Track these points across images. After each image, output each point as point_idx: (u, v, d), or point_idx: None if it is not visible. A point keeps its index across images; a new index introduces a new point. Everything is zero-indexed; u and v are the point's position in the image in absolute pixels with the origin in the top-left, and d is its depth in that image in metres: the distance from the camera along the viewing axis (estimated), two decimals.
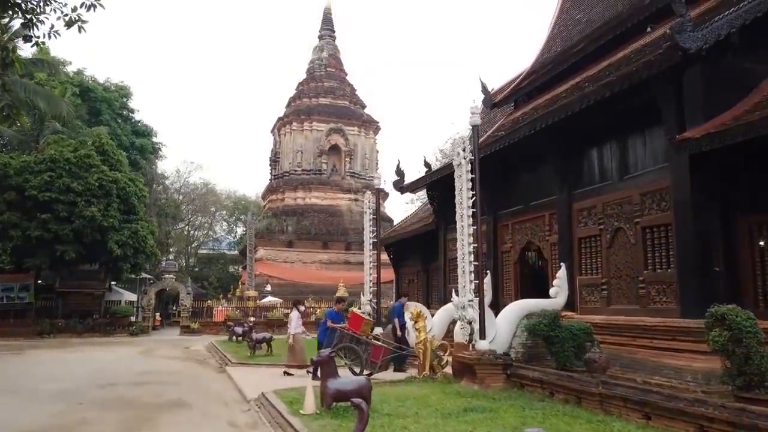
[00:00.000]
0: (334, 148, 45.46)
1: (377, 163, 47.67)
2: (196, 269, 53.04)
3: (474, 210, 10.51)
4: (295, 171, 45.15)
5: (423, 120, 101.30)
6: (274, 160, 47.48)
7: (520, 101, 18.93)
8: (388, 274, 42.08)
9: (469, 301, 10.09)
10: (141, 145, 43.24)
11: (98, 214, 26.05)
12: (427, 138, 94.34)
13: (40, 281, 29.80)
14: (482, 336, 10.12)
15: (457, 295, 10.66)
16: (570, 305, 11.80)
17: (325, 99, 46.04)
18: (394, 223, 47.19)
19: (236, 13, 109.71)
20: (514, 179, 14.56)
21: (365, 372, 11.22)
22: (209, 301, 33.98)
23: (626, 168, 10.72)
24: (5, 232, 25.56)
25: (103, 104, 41.14)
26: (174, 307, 43.79)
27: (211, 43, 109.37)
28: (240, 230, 58.90)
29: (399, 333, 13.15)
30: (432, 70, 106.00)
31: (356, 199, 44.98)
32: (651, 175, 10.01)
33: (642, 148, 10.39)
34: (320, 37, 48.71)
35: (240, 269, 52.86)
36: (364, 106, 47.81)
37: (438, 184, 17.28)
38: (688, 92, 9.15)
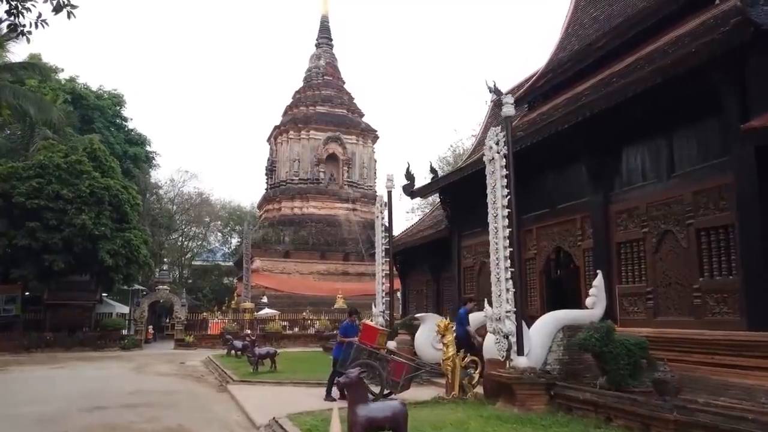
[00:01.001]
0: (332, 157, 44.34)
1: (375, 173, 46.59)
2: (190, 281, 51.52)
3: (509, 210, 9.36)
4: (292, 180, 43.94)
5: (421, 129, 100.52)
6: (271, 169, 46.27)
7: (536, 102, 17.90)
8: (398, 282, 41.07)
9: (507, 312, 8.91)
10: (134, 154, 41.97)
11: (89, 223, 24.71)
12: (426, 147, 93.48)
13: (27, 293, 28.30)
14: (520, 351, 8.95)
15: (490, 305, 9.49)
16: (609, 317, 10.66)
17: (323, 107, 44.99)
18: (395, 232, 46.32)
19: (232, 22, 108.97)
20: (539, 181, 13.42)
21: (386, 392, 10.01)
22: (204, 314, 32.52)
23: (673, 165, 9.61)
24: None
25: (95, 112, 39.90)
26: (167, 320, 42.24)
27: (206, 51, 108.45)
28: (235, 241, 57.46)
29: (478, 340, 11.44)
30: (430, 78, 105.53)
31: (354, 209, 43.85)
32: (705, 171, 8.91)
33: (693, 142, 9.29)
34: (317, 45, 47.76)
35: (235, 281, 51.38)
36: (362, 115, 46.81)
37: (451, 188, 16.17)
38: (754, 76, 8.09)
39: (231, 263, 53.75)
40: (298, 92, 46.54)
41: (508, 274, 9.09)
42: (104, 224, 25.38)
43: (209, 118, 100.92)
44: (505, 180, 9.38)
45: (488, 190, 9.60)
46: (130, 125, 43.66)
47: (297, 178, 43.88)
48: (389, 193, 14.46)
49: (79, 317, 27.96)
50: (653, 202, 9.85)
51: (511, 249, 9.29)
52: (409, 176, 17.51)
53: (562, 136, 11.17)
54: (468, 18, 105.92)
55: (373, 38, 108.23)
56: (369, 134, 45.75)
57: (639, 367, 8.14)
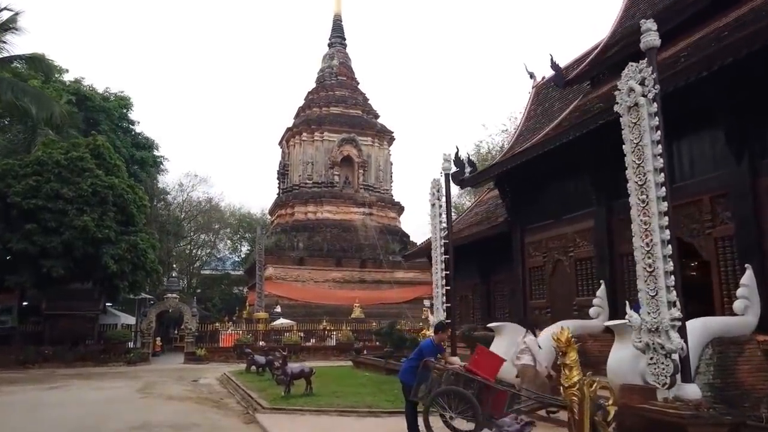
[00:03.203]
0: (347, 160, 41.66)
1: (392, 176, 43.91)
2: (199, 290, 48.66)
3: (663, 174, 6.59)
4: (306, 184, 41.24)
5: (438, 130, 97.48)
6: (283, 173, 43.60)
7: (601, 77, 15.22)
8: (418, 290, 38.24)
9: (672, 321, 6.11)
10: (142, 158, 39.31)
11: (91, 224, 21.95)
12: (444, 148, 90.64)
13: (25, 303, 25.51)
14: (687, 376, 6.15)
15: (635, 309, 6.70)
16: (765, 325, 7.90)
17: (337, 108, 42.38)
18: (416, 236, 43.55)
19: (242, 23, 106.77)
20: None
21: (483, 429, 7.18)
22: (216, 324, 29.62)
23: None
24: None
25: (101, 114, 37.28)
26: (176, 331, 39.37)
27: (216, 53, 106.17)
28: (245, 248, 54.65)
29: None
30: (446, 77, 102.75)
31: (371, 213, 41.12)
32: None
33: None
34: (330, 45, 45.28)
35: (245, 290, 48.54)
36: (377, 116, 44.18)
37: (515, 173, 13.43)
38: None
39: (241, 272, 50.96)
40: (310, 93, 43.99)
41: (669, 266, 6.29)
42: (108, 226, 22.62)
43: (219, 121, 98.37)
44: (657, 133, 6.62)
45: (627, 149, 6.84)
46: (138, 129, 41.10)
47: (310, 181, 41.19)
48: (446, 177, 11.71)
49: (81, 329, 25.06)
50: None
51: (669, 229, 6.47)
52: (459, 163, 14.77)
53: (694, 89, 8.45)
54: (484, 13, 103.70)
55: (387, 37, 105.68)
56: (385, 135, 43.10)
57: None
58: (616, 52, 14.55)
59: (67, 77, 38.39)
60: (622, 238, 10.92)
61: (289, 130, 42.84)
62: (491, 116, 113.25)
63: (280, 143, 45.13)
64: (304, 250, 38.12)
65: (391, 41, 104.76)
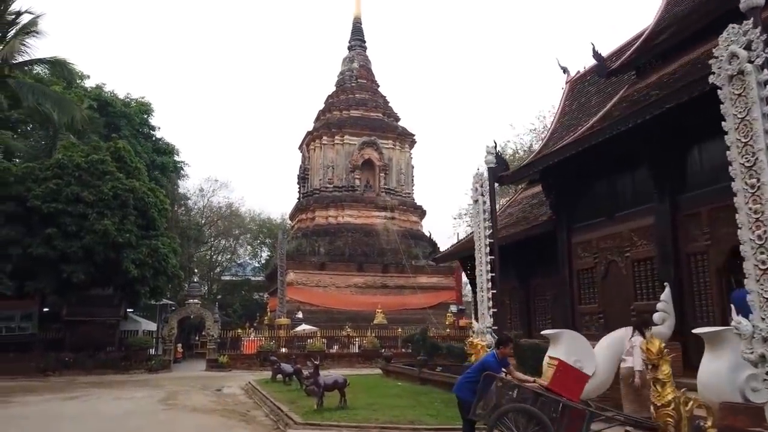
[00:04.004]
0: (368, 163, 40.80)
1: (413, 179, 42.91)
2: (220, 296, 48.00)
3: None
4: (326, 188, 40.43)
5: (460, 132, 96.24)
6: (303, 177, 42.87)
7: (648, 66, 14.12)
8: (442, 295, 37.11)
9: None
10: (162, 163, 38.80)
11: (112, 229, 21.24)
12: (466, 152, 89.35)
13: (46, 309, 24.88)
14: None
15: (743, 314, 5.61)
16: None
17: (357, 111, 41.58)
18: (442, 241, 42.39)
19: (262, 28, 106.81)
20: (710, 147, 9.58)
21: None
22: (238, 331, 28.77)
23: None
24: (4, 249, 20.77)
25: (122, 119, 36.89)
26: (197, 337, 38.69)
27: (236, 58, 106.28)
28: (265, 254, 53.92)
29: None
30: (466, 79, 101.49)
31: (392, 217, 40.14)
32: None
33: None
34: (350, 48, 44.55)
35: (266, 296, 47.77)
36: (398, 119, 43.29)
37: (559, 169, 12.36)
38: None
39: (261, 277, 50.24)
40: (330, 96, 43.25)
41: None
42: (129, 230, 21.91)
43: (239, 126, 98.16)
44: None
45: (729, 126, 5.73)
46: (158, 134, 40.68)
47: (331, 185, 40.39)
48: (490, 171, 10.69)
49: (102, 335, 24.36)
50: None
51: None
52: (499, 159, 13.72)
53: None
54: (507, 12, 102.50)
55: (407, 39, 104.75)
56: (406, 138, 42.17)
57: None
58: (665, 39, 13.49)
59: (89, 83, 38.17)
60: (689, 236, 9.81)
61: (309, 133, 42.14)
62: (517, 116, 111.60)
63: (300, 147, 44.45)
64: (325, 255, 37.26)
65: (411, 43, 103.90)
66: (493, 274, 10.41)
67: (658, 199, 10.28)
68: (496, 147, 13.71)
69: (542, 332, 9.55)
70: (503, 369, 6.75)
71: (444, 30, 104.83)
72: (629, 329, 9.37)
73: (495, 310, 10.20)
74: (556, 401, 6.38)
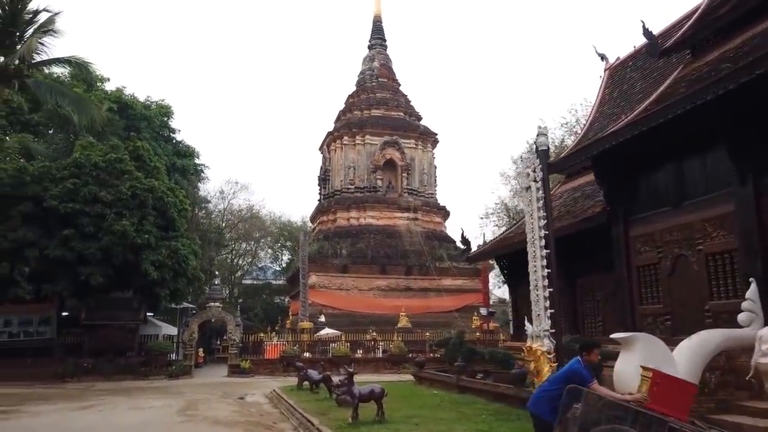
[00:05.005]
0: (389, 163, 39.59)
1: (436, 179, 41.60)
2: (241, 300, 47.11)
3: None
4: (348, 189, 39.31)
5: (483, 132, 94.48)
6: (324, 179, 41.83)
7: (705, 43, 12.71)
8: (467, 298, 35.69)
9: None
10: (183, 166, 38.09)
11: (131, 229, 20.33)
12: (490, 152, 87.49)
13: (65, 313, 24.11)
14: None
15: None
16: None
17: (378, 111, 40.44)
18: (458, 245, 40.98)
19: (282, 30, 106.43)
20: None
21: None
22: (261, 335, 27.72)
23: None
24: (20, 251, 19.95)
25: (142, 122, 36.27)
26: (218, 342, 37.77)
27: (255, 59, 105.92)
28: (286, 257, 52.96)
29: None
30: (489, 77, 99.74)
31: (415, 218, 38.86)
32: None
33: None
34: (370, 47, 43.48)
35: (287, 300, 46.78)
36: (420, 118, 42.05)
37: (616, 153, 11.01)
38: None
39: (282, 281, 49.27)
40: (351, 96, 42.20)
41: None
42: (148, 231, 20.98)
43: (259, 128, 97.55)
44: None
45: None
46: (178, 137, 39.99)
47: (353, 186, 39.26)
48: (542, 154, 9.44)
49: (121, 340, 23.48)
50: None
51: None
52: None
53: None
54: (530, 6, 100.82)
55: (429, 37, 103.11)
56: (428, 138, 40.90)
57: None
58: (726, 12, 12.05)
59: (109, 86, 37.66)
60: None
61: (329, 134, 41.11)
62: (545, 111, 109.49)
63: (321, 148, 43.46)
64: (347, 258, 36.08)
65: (432, 40, 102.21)
66: (549, 270, 9.12)
67: (739, 182, 8.90)
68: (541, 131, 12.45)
69: (612, 335, 8.21)
70: (590, 380, 5.48)
71: (466, 26, 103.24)
72: (717, 331, 8.04)
73: (552, 310, 8.90)
74: (662, 421, 5.11)
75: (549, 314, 8.92)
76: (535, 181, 9.36)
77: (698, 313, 9.66)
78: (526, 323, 9.12)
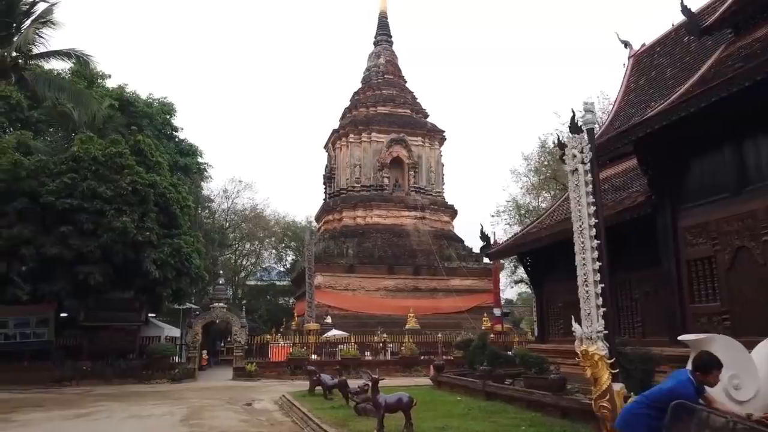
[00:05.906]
0: (396, 161, 38.48)
1: (443, 177, 40.48)
2: (245, 301, 45.96)
3: None
4: (354, 187, 38.20)
5: (491, 129, 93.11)
6: (329, 177, 40.73)
7: (749, 21, 11.59)
8: (477, 298, 34.48)
9: None
10: (185, 164, 36.96)
11: (131, 226, 19.22)
12: (498, 150, 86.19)
13: (64, 314, 22.98)
14: None
15: None
16: None
17: (384, 108, 39.33)
18: (466, 244, 39.84)
19: (287, 27, 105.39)
20: None
21: None
22: (267, 336, 26.58)
23: None
24: (16, 249, 18.84)
25: (144, 120, 35.13)
26: (222, 343, 36.63)
27: (259, 57, 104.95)
28: (290, 258, 51.81)
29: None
30: (498, 72, 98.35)
31: (423, 217, 37.73)
32: None
33: None
34: (376, 43, 42.41)
35: (291, 301, 45.65)
36: (426, 115, 40.96)
37: (662, 137, 9.88)
38: None
39: (286, 282, 48.12)
40: (356, 93, 41.12)
41: None
42: (149, 228, 19.87)
43: (263, 126, 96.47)
44: None
45: None
46: (181, 135, 38.90)
47: (359, 185, 38.14)
48: (590, 132, 8.30)
49: (122, 342, 22.38)
50: None
51: None
52: (576, 129, 11.30)
53: None
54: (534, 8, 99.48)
55: (435, 33, 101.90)
56: (435, 135, 39.79)
57: None
58: None
59: (110, 83, 36.57)
60: None
61: (335, 132, 40.02)
62: (559, 106, 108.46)
63: (326, 146, 42.36)
64: (353, 257, 34.93)
65: (439, 36, 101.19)
66: (601, 263, 7.97)
67: None
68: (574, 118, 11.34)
69: (680, 337, 7.08)
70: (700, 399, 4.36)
71: (474, 21, 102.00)
72: None
73: (605, 309, 7.76)
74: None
75: (602, 313, 7.77)
76: (582, 162, 8.20)
77: (764, 312, 8.53)
78: (574, 324, 7.94)
